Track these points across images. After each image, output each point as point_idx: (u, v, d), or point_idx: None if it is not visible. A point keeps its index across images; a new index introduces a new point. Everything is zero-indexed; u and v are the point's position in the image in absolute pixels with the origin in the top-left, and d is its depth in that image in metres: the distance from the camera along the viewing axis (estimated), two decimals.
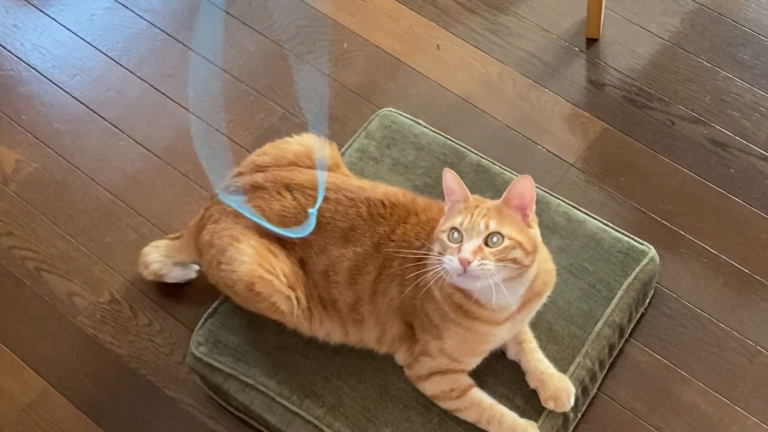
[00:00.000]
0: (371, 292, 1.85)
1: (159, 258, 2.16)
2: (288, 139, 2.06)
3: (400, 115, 2.28)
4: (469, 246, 1.64)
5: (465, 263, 1.63)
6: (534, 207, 1.73)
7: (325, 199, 1.88)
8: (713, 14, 2.56)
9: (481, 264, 1.63)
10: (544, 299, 1.86)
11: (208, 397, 2.08)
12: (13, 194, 2.41)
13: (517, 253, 1.67)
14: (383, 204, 1.88)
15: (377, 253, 1.84)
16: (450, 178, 1.73)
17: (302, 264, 1.89)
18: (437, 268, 1.67)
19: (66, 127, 2.53)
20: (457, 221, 1.68)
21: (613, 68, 2.49)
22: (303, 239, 1.87)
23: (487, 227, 1.65)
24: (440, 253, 1.68)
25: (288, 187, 1.91)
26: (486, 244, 1.65)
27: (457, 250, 1.65)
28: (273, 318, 1.92)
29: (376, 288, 1.85)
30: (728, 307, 2.12)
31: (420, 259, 1.77)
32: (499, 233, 1.65)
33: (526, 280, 1.74)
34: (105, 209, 2.38)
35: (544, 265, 1.81)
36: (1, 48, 2.68)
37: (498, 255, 1.65)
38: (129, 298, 2.24)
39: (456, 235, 1.67)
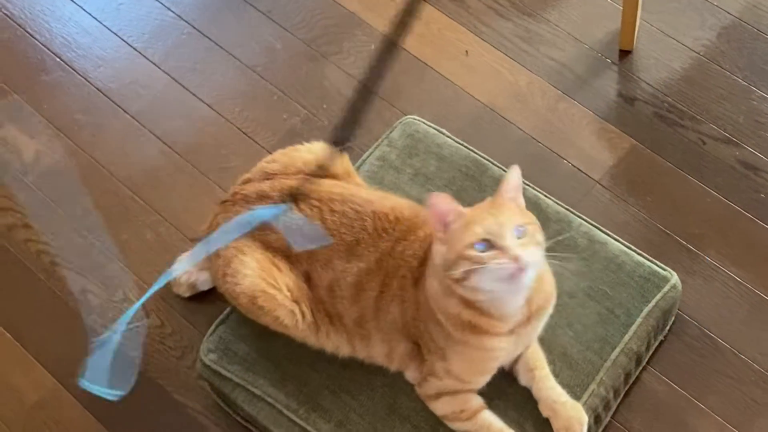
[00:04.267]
0: (374, 309, 1.82)
1: (185, 269, 2.14)
2: (298, 146, 2.03)
3: (424, 123, 2.24)
4: (512, 242, 1.59)
5: (517, 259, 1.58)
6: (522, 195, 1.72)
7: (331, 210, 1.85)
8: (752, 30, 2.49)
9: (529, 252, 1.60)
10: (550, 310, 1.82)
11: (216, 405, 2.06)
12: (32, 185, 2.40)
13: (539, 234, 1.65)
14: (388, 218, 1.83)
15: (379, 269, 1.81)
16: (442, 201, 1.65)
17: (307, 277, 1.86)
18: (480, 281, 1.61)
19: (87, 118, 2.51)
20: (478, 232, 1.61)
21: (646, 82, 2.43)
22: (308, 252, 1.84)
23: (512, 221, 1.61)
24: (468, 272, 1.61)
25: (294, 198, 1.88)
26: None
27: (501, 253, 1.59)
28: (278, 331, 1.89)
29: (379, 305, 1.82)
30: (751, 338, 2.06)
31: (417, 281, 1.74)
32: (521, 223, 1.62)
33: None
34: (123, 206, 2.36)
35: (545, 272, 1.78)
36: (27, 35, 2.67)
37: (532, 241, 1.62)
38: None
39: (483, 246, 1.61)
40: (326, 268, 1.84)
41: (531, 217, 1.69)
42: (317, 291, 1.86)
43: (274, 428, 1.92)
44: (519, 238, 1.61)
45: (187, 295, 2.17)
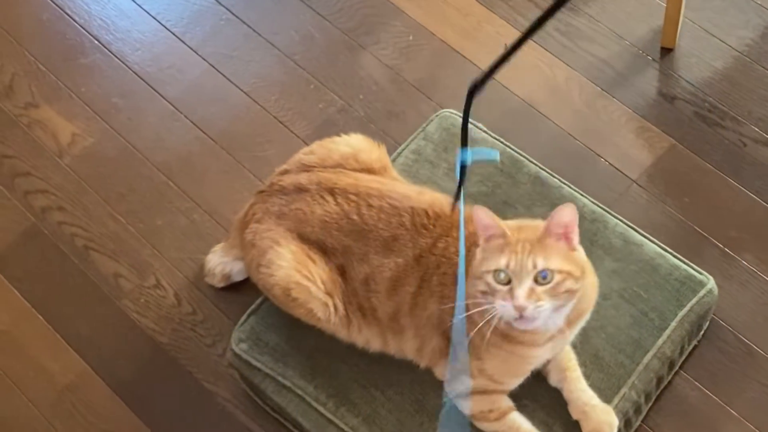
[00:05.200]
0: (411, 304, 1.82)
1: (220, 260, 2.14)
2: (336, 138, 2.02)
3: (460, 117, 2.22)
4: (522, 291, 1.59)
5: (521, 309, 1.59)
6: (577, 230, 1.66)
7: (368, 205, 1.85)
8: None
9: (538, 306, 1.59)
10: (587, 317, 1.80)
11: (246, 394, 2.07)
12: (67, 168, 2.41)
13: (569, 284, 1.62)
14: (427, 214, 1.83)
15: (418, 265, 1.80)
16: (482, 215, 1.64)
17: (341, 271, 1.86)
18: (489, 310, 1.62)
19: (124, 102, 2.51)
20: (501, 263, 1.61)
21: (687, 81, 2.39)
22: (344, 246, 1.84)
23: (535, 266, 1.60)
24: (485, 293, 1.63)
25: (331, 191, 1.88)
26: (536, 281, 1.60)
27: (510, 295, 1.60)
28: (310, 323, 1.89)
29: (416, 301, 1.81)
30: None
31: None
32: (548, 269, 1.60)
33: (574, 301, 1.68)
34: (157, 191, 2.36)
35: (588, 278, 1.75)
36: (66, 16, 2.67)
37: (551, 292, 1.60)
38: (174, 285, 2.22)
39: (502, 276, 1.61)
40: (362, 262, 1.83)
41: (572, 264, 1.63)
42: (351, 284, 1.85)
43: (302, 420, 1.93)
44: (541, 283, 1.60)
45: (221, 285, 2.17)
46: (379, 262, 1.82)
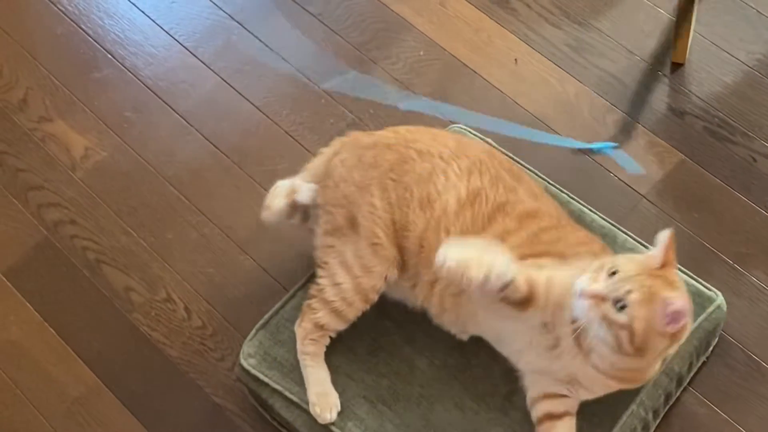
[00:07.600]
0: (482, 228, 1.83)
1: (289, 182, 2.08)
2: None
3: (470, 132, 2.23)
4: (597, 287, 1.60)
5: (582, 294, 1.61)
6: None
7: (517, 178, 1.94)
8: None
9: (589, 310, 1.60)
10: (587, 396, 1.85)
11: (254, 408, 2.08)
12: (80, 182, 2.43)
13: (624, 337, 1.61)
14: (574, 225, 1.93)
15: (530, 220, 1.84)
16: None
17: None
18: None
19: (137, 117, 2.53)
20: (618, 262, 1.62)
21: (697, 96, 2.39)
22: (495, 175, 1.88)
23: (621, 298, 1.59)
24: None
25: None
26: (614, 302, 1.60)
27: (592, 279, 1.61)
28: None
29: (525, 236, 1.82)
30: None
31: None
32: (627, 308, 1.59)
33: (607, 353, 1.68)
34: (168, 204, 2.38)
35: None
36: (81, 31, 2.69)
37: (608, 319, 1.60)
38: (185, 299, 2.24)
39: (602, 271, 1.62)
40: (507, 191, 1.87)
41: (649, 337, 1.61)
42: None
43: None
44: (613, 305, 1.59)
45: (279, 207, 2.04)
46: (521, 197, 1.87)
